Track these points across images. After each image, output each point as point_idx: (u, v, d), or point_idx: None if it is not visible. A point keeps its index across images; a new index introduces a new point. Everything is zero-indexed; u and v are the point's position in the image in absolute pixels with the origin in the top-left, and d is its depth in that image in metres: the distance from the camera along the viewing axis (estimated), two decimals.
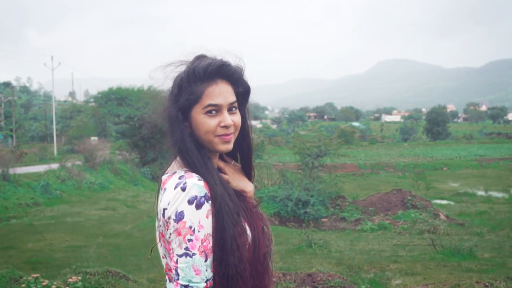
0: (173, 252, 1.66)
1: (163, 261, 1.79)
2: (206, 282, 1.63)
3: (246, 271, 1.70)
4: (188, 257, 1.62)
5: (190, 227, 1.62)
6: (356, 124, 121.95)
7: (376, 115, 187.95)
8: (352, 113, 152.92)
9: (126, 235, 14.59)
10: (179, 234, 1.63)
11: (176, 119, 1.77)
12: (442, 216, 15.63)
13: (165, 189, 1.72)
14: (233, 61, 1.82)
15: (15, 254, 11.52)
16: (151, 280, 8.01)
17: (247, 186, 1.93)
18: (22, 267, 9.76)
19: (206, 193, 1.66)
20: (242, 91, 1.86)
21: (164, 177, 1.79)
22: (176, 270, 1.64)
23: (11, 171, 24.02)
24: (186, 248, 1.62)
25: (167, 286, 1.77)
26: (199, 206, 1.63)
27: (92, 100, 49.12)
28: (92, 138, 53.08)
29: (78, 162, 32.49)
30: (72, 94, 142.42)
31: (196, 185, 1.66)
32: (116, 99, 40.58)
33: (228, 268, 1.65)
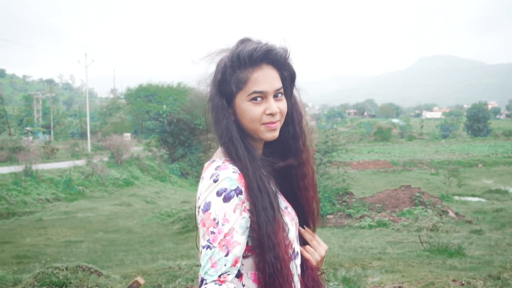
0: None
1: None
2: (219, 276, 1.55)
3: (284, 270, 1.63)
4: (208, 249, 1.57)
5: (214, 219, 1.57)
6: (395, 120, 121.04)
7: (417, 111, 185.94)
8: (392, 110, 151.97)
9: (126, 231, 14.64)
10: (204, 225, 1.60)
11: (221, 107, 1.71)
12: (451, 213, 15.14)
13: (202, 178, 1.68)
14: (278, 44, 1.73)
15: (8, 249, 11.65)
16: (125, 276, 7.90)
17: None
18: (8, 262, 9.86)
19: (238, 186, 1.60)
20: (288, 75, 1.77)
21: (206, 164, 1.74)
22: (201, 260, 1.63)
23: (38, 166, 24.44)
24: (208, 240, 1.57)
25: None
26: (227, 199, 1.59)
27: (122, 97, 49.70)
28: (125, 134, 53.81)
29: (106, 158, 32.88)
30: (113, 91, 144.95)
31: (228, 177, 1.61)
32: (145, 95, 40.92)
33: (265, 266, 1.62)
